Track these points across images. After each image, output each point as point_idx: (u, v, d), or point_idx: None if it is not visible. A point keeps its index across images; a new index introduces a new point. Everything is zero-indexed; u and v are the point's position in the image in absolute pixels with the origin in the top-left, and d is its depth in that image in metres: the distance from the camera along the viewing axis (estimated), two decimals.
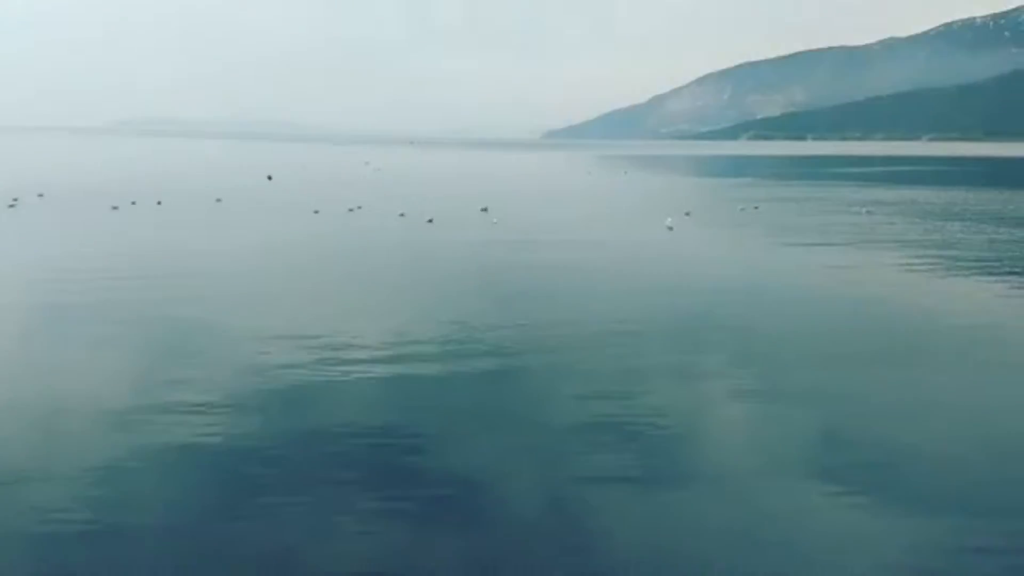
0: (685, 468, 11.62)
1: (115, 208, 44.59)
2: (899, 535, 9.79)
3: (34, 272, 25.42)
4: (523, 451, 12.10)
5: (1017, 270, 29.33)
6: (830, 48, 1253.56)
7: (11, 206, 44.23)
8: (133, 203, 47.32)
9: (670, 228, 39.72)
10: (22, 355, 16.68)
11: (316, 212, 45.22)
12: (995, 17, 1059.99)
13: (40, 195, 50.40)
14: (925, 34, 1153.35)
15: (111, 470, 11.15)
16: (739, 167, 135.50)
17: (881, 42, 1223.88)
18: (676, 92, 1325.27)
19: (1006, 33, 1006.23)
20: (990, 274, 27.86)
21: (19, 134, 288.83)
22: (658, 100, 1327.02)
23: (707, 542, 9.59)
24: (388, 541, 9.55)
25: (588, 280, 25.68)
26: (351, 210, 46.73)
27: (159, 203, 48.11)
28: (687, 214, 44.73)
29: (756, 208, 52.79)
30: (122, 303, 21.08)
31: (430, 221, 41.37)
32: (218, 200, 50.87)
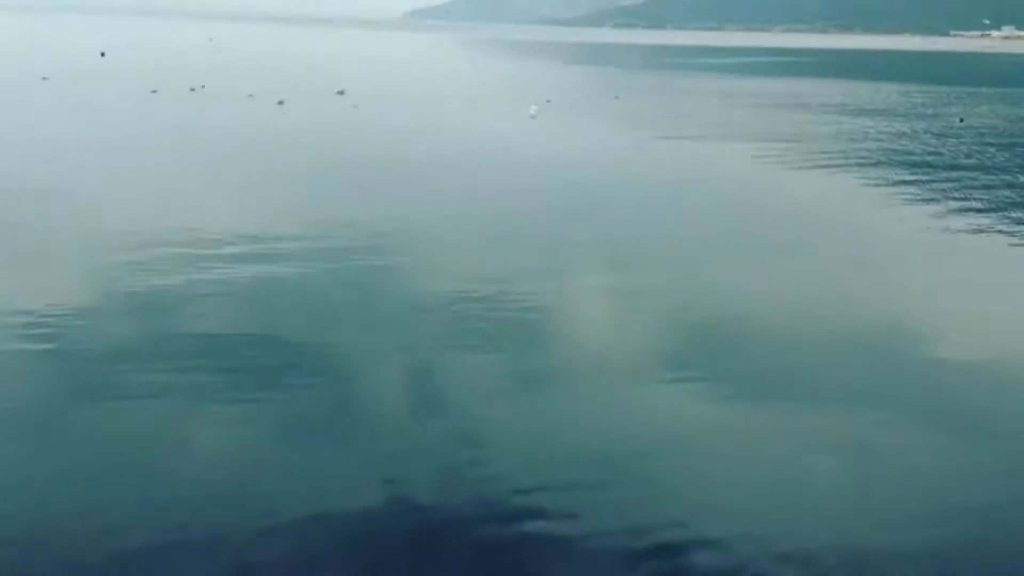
0: (548, 362, 11.52)
1: None
2: (751, 418, 9.97)
3: None
4: (387, 349, 11.71)
5: (860, 160, 30.61)
6: None
7: None
8: None
9: (533, 117, 39.15)
10: None
11: (154, 92, 41.76)
12: None
13: None
14: None
15: None
16: (601, 55, 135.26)
17: None
18: None
19: None
20: (837, 165, 28.94)
21: None
22: None
23: (575, 435, 9.52)
24: (255, 440, 9.15)
25: (449, 170, 25.00)
26: (193, 90, 43.44)
27: None
28: (548, 102, 44.20)
29: (616, 98, 52.81)
30: None
31: (280, 103, 39.02)
32: (44, 78, 46.08)
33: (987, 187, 25.04)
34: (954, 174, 27.26)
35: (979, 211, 21.58)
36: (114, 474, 8.37)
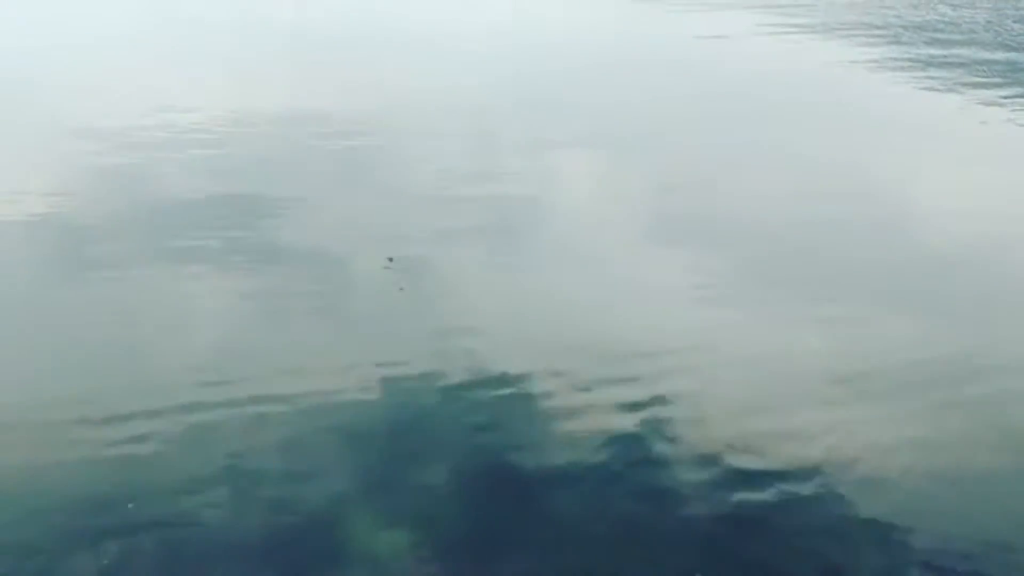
0: (535, 234, 11.45)
1: None
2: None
3: None
4: (374, 216, 11.70)
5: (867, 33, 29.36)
6: None
7: None
8: None
9: None
10: None
11: None
12: None
13: None
14: None
15: None
16: None
17: None
18: None
19: None
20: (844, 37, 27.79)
21: None
22: None
23: (553, 304, 9.48)
24: (239, 316, 9.01)
25: (429, 40, 24.03)
26: None
27: None
28: None
29: None
30: None
31: None
32: None
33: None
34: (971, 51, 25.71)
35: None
36: (101, 352, 8.23)
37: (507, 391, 7.77)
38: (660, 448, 7.07)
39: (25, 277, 9.76)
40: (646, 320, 9.16)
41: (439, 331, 8.72)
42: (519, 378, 7.92)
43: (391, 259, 10.20)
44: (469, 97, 18.23)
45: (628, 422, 7.38)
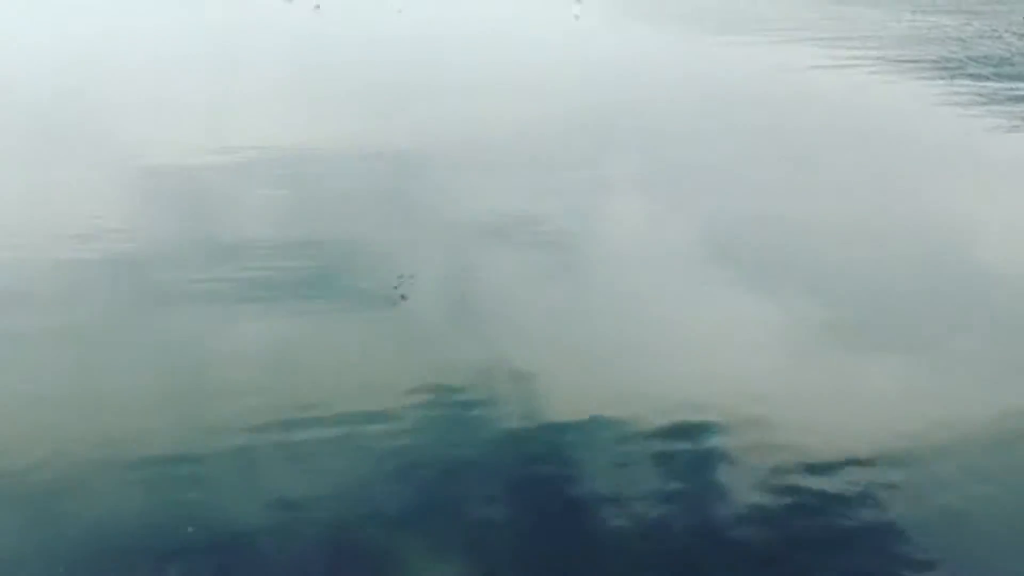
0: (586, 264, 11.52)
1: None
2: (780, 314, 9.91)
3: None
4: (425, 246, 11.88)
5: (934, 64, 29.00)
6: None
7: None
8: None
9: (576, 17, 37.77)
10: None
11: None
12: None
13: None
14: None
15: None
16: None
17: None
18: None
19: None
20: (909, 70, 27.47)
21: None
22: None
23: (602, 323, 9.66)
24: (292, 337, 9.31)
25: (493, 76, 24.37)
26: None
27: None
28: (577, 1, 42.62)
29: None
30: None
31: (317, 7, 38.05)
32: None
33: None
34: None
35: None
36: (164, 380, 8.42)
37: (563, 429, 7.73)
38: (714, 487, 7.00)
39: (89, 312, 9.95)
40: (704, 364, 9.00)
41: (494, 366, 8.71)
42: (576, 416, 7.86)
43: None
44: (534, 132, 18.26)
45: (685, 463, 7.32)
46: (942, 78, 25.53)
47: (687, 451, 7.46)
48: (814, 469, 7.18)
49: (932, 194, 14.80)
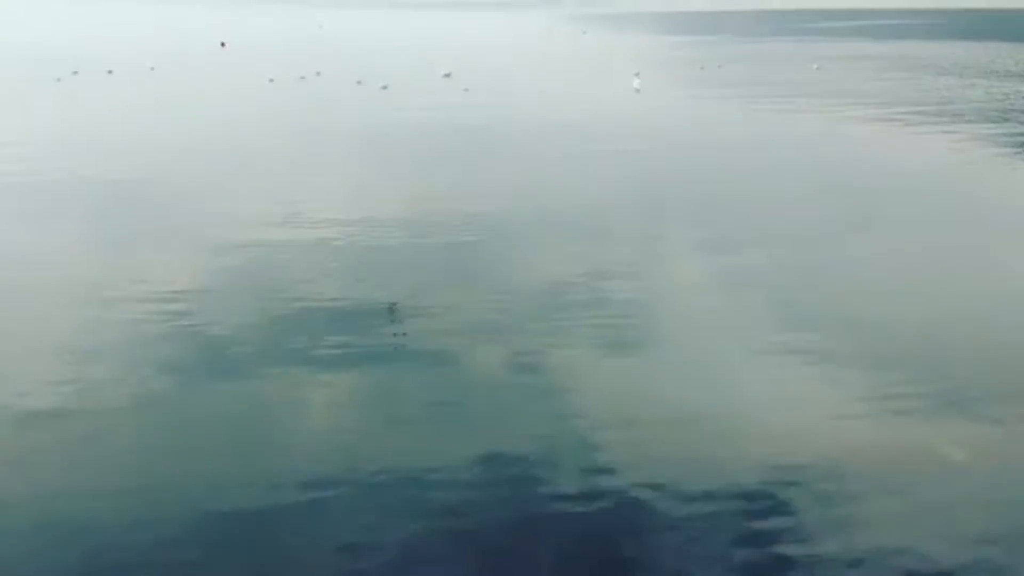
0: (653, 333, 11.64)
1: (58, 80, 42.64)
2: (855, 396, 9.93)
3: None
4: (492, 315, 12.17)
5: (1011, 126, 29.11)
6: None
7: None
8: (74, 72, 45.30)
9: (637, 91, 39.16)
10: None
11: (271, 80, 43.67)
12: None
13: None
14: None
15: (82, 351, 11.03)
16: (705, 24, 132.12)
17: None
18: None
19: None
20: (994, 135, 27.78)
21: None
22: None
23: (674, 407, 9.59)
24: (363, 402, 9.72)
25: (558, 147, 25.27)
26: (303, 78, 45.20)
27: (110, 72, 46.26)
28: (636, 75, 43.83)
29: (719, 67, 52.07)
30: (76, 181, 20.45)
31: (384, 87, 40.17)
32: (152, 68, 48.79)
33: None
34: None
35: None
36: (227, 448, 8.84)
37: (622, 491, 7.92)
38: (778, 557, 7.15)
39: (156, 375, 10.45)
40: (766, 429, 9.00)
41: (554, 430, 8.96)
42: (636, 480, 8.04)
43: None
44: (600, 199, 18.80)
45: (751, 530, 7.44)
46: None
47: (761, 524, 7.54)
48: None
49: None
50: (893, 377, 10.25)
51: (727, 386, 10.02)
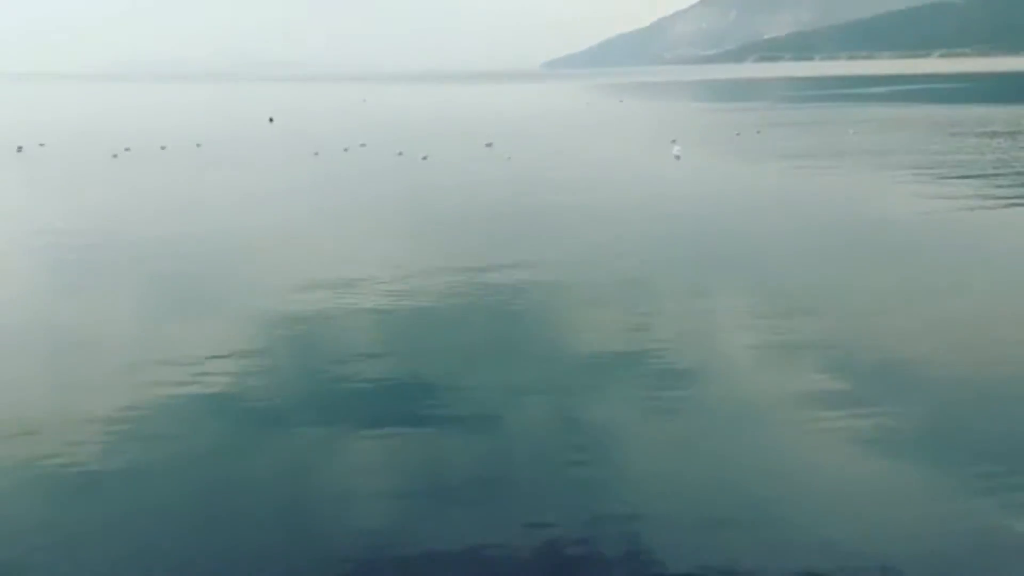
0: (695, 398, 11.54)
1: (115, 156, 44.31)
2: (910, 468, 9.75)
3: (44, 220, 25.39)
4: (534, 383, 12.16)
5: None
6: None
7: (19, 150, 46.15)
8: (127, 149, 46.97)
9: (677, 158, 39.51)
10: (38, 306, 16.62)
11: (316, 153, 44.88)
12: None
13: (41, 144, 50.19)
14: None
15: (133, 416, 11.24)
16: (743, 91, 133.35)
17: None
18: (680, 14, 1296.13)
19: None
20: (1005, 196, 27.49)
21: (6, 81, 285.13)
22: (661, 23, 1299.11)
23: (721, 472, 9.51)
24: (406, 471, 9.73)
25: (598, 215, 25.50)
26: (346, 150, 46.38)
27: (163, 148, 47.95)
28: (674, 142, 44.21)
29: (758, 133, 52.38)
30: (129, 249, 21.09)
31: (424, 158, 41.02)
32: (198, 145, 49.82)
33: None
34: None
35: None
36: (269, 517, 8.90)
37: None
38: None
39: (200, 441, 10.70)
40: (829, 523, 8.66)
41: (598, 504, 8.86)
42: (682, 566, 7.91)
43: (506, 412, 10.78)
44: (643, 262, 18.86)
45: None
46: None
47: None
48: None
49: None
50: (954, 458, 9.86)
51: (779, 464, 9.77)
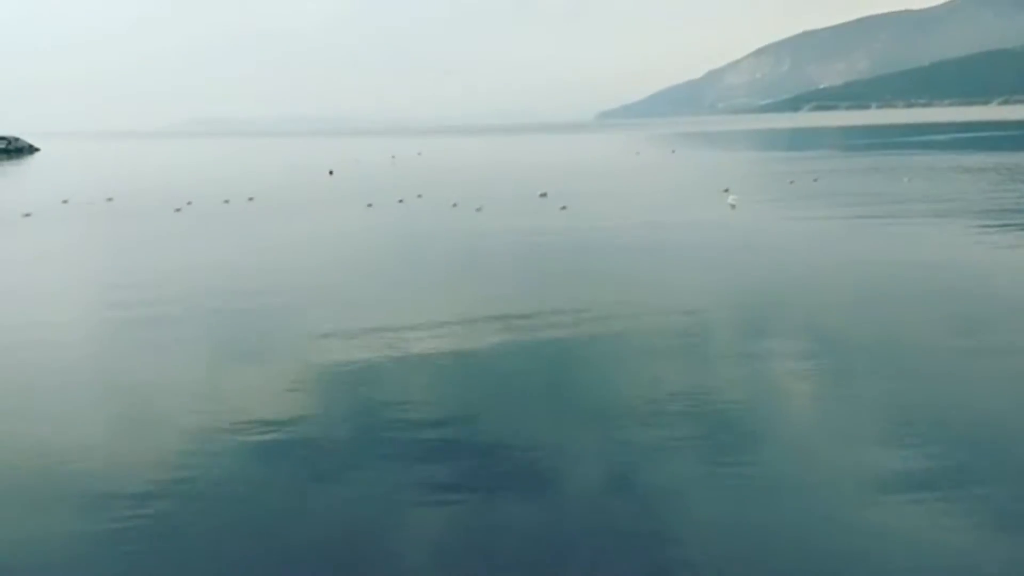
0: (750, 450, 11.32)
1: (178, 210, 45.56)
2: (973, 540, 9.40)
3: (111, 273, 26.12)
4: (588, 432, 12.12)
5: None
6: (893, 12, 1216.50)
7: (110, 200, 46.41)
8: (189, 203, 48.25)
9: (733, 206, 39.15)
10: (90, 357, 17.07)
11: (369, 205, 45.55)
12: None
13: (109, 199, 51.98)
14: None
15: (189, 462, 11.43)
16: (798, 140, 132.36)
17: (946, 4, 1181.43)
18: (734, 65, 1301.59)
19: None
20: None
21: (87, 139, 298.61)
22: (715, 74, 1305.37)
23: (779, 530, 9.31)
24: (456, 518, 9.76)
25: (654, 263, 25.36)
26: (401, 201, 46.99)
27: (226, 201, 49.12)
28: (726, 191, 43.68)
29: (815, 180, 51.85)
30: (195, 305, 21.51)
31: (479, 209, 41.30)
32: (250, 199, 50.24)
33: None
34: None
35: None
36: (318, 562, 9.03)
37: None
38: None
39: (254, 486, 10.81)
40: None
41: (652, 564, 8.73)
42: None
43: (558, 468, 10.69)
44: (698, 314, 18.59)
45: None
46: None
47: None
48: None
49: None
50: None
51: (850, 541, 9.28)
